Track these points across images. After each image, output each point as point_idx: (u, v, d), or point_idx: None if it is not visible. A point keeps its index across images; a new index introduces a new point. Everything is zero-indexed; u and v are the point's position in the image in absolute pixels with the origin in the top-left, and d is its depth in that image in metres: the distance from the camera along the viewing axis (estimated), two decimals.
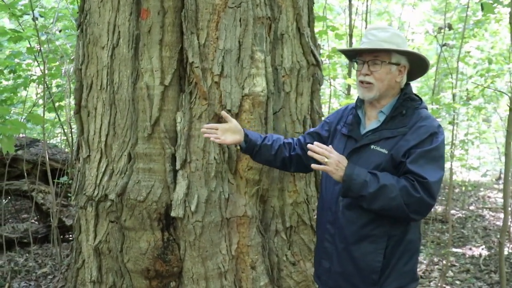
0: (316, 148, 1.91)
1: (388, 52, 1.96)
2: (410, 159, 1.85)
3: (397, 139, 1.92)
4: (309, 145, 1.94)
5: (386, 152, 1.91)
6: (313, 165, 1.93)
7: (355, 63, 2.08)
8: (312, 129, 2.35)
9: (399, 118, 1.96)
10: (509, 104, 3.95)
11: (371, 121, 2.05)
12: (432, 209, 7.02)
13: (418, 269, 4.70)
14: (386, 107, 2.01)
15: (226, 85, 2.47)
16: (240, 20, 2.47)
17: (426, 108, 2.03)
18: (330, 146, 1.96)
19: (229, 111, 2.45)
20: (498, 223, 6.67)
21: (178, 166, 2.45)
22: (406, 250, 1.95)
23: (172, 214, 2.42)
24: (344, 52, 2.22)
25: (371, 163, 1.92)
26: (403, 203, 1.79)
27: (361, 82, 2.00)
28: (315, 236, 2.80)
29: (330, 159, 1.88)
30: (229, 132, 2.24)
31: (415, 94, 2.07)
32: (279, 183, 2.69)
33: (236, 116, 2.48)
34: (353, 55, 2.12)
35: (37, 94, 6.34)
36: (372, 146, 1.96)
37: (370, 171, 1.87)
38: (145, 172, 2.49)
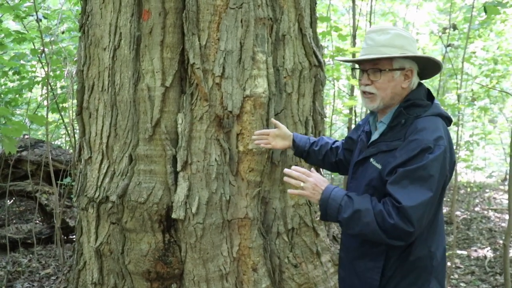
0: (293, 173, 1.84)
1: (388, 58, 1.80)
2: (391, 180, 1.68)
3: (391, 153, 1.76)
4: (285, 170, 1.88)
5: (380, 167, 1.78)
6: (289, 191, 1.86)
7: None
8: (349, 133, 2.29)
9: (398, 128, 1.79)
10: None
11: (377, 130, 1.92)
12: None
13: None
14: (386, 116, 1.86)
15: (227, 86, 2.46)
16: (241, 21, 2.46)
17: (438, 114, 1.79)
18: (313, 168, 1.88)
19: (230, 112, 2.44)
20: (503, 224, 6.62)
21: (179, 168, 2.44)
22: (413, 268, 1.79)
23: (173, 216, 2.41)
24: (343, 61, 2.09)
25: (366, 178, 1.83)
26: (379, 229, 1.65)
27: (363, 92, 1.86)
28: (317, 238, 2.79)
29: (307, 183, 1.80)
30: (279, 138, 2.39)
31: (431, 95, 1.88)
32: (280, 185, 2.68)
33: (237, 117, 2.47)
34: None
35: (42, 95, 6.37)
36: (371, 160, 1.84)
37: (348, 194, 1.76)
38: (146, 173, 2.48)
